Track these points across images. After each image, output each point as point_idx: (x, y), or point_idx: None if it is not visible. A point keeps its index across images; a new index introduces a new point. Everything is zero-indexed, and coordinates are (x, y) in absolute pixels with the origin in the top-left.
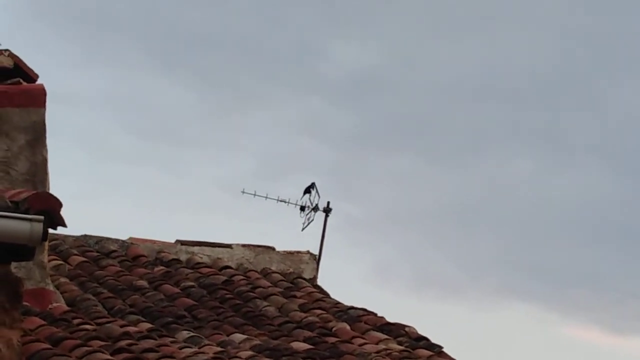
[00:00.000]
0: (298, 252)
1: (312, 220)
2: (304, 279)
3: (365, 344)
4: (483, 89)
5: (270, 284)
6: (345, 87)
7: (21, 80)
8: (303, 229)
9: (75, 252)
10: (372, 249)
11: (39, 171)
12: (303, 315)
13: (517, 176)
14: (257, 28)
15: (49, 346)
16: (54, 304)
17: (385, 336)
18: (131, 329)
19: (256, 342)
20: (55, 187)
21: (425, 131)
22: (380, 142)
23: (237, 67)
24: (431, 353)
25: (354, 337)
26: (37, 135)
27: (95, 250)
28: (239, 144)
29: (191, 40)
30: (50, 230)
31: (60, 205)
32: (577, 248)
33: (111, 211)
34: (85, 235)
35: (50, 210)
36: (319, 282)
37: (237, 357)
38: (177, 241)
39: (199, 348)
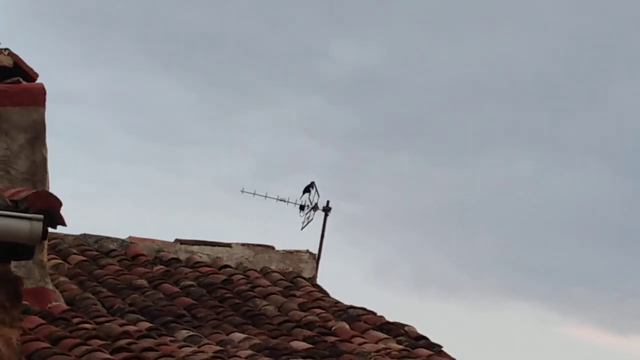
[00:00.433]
0: (297, 251)
1: (312, 219)
2: (304, 278)
3: (365, 343)
4: (483, 89)
5: (269, 283)
6: (345, 86)
7: (21, 80)
8: (302, 228)
9: (75, 251)
10: (371, 248)
11: (38, 170)
12: (302, 314)
13: (518, 176)
14: (257, 28)
15: (49, 345)
16: (54, 303)
17: (385, 335)
18: (130, 328)
19: (255, 341)
20: (55, 187)
21: (425, 131)
22: (380, 141)
23: (237, 66)
24: (431, 352)
25: (353, 336)
26: (36, 134)
27: (95, 249)
28: (238, 143)
29: (191, 40)
30: (50, 229)
31: (60, 204)
32: (577, 247)
33: (111, 210)
34: (85, 234)
35: (49, 209)
36: (319, 281)
37: (236, 356)
38: (177, 240)
39: (199, 347)
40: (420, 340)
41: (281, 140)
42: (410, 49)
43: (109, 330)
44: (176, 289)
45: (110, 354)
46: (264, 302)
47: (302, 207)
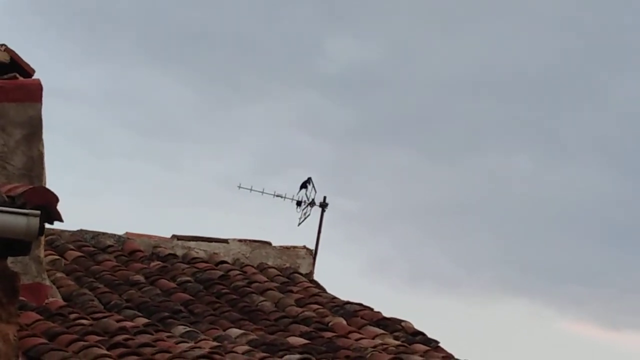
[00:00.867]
0: (294, 247)
1: (309, 215)
2: (301, 274)
3: (362, 338)
4: (481, 85)
5: (266, 279)
6: (342, 82)
7: (17, 75)
8: (299, 224)
9: (72, 247)
10: (368, 244)
11: (35, 166)
12: (299, 310)
13: (515, 172)
14: (255, 24)
15: (46, 341)
16: (51, 299)
17: (382, 331)
18: (127, 323)
19: (252, 336)
20: (52, 183)
21: (422, 127)
22: (377, 137)
23: (234, 63)
24: (427, 348)
25: (350, 332)
26: (33, 130)
27: (92, 245)
28: (236, 139)
29: (189, 37)
30: (47, 225)
31: (56, 200)
32: (573, 244)
33: (108, 206)
34: (82, 230)
35: (46, 205)
36: (316, 277)
37: (233, 351)
38: (174, 236)
39: (195, 343)
40: (417, 335)
41: (278, 136)
42: (407, 45)
43: (106, 326)
44: (173, 284)
45: (107, 349)
46: (261, 298)
47: (299, 203)
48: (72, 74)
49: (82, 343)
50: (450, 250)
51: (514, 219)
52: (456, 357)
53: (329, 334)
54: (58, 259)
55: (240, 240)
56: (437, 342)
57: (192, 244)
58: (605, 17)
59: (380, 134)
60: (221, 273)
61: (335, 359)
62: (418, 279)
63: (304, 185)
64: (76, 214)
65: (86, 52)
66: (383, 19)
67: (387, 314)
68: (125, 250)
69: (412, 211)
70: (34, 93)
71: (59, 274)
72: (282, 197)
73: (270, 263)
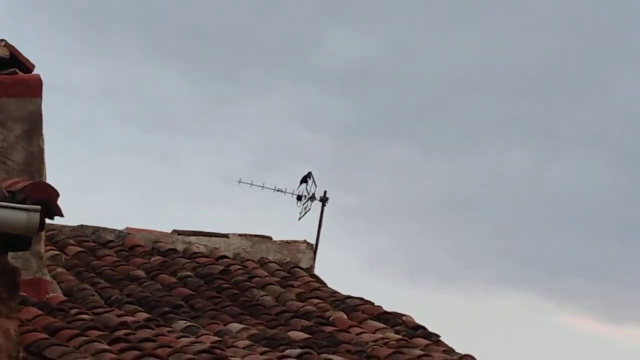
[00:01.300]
0: (295, 241)
1: (309, 209)
2: (301, 268)
3: (363, 333)
4: (480, 82)
5: (267, 274)
6: (341, 77)
7: (17, 70)
8: (300, 218)
9: (72, 242)
10: (367, 238)
11: (35, 161)
12: (300, 304)
13: (513, 167)
14: (253, 18)
15: (46, 336)
16: (51, 294)
17: (383, 325)
18: (128, 318)
19: (253, 331)
20: (52, 178)
21: (421, 122)
22: (376, 132)
23: (233, 58)
24: (428, 342)
25: (351, 326)
26: (33, 125)
27: (92, 240)
28: (235, 134)
29: (187, 32)
30: (47, 220)
31: (57, 195)
32: (572, 238)
33: (108, 202)
34: (82, 225)
35: (47, 200)
36: (316, 271)
37: (234, 346)
38: (174, 231)
39: (196, 337)
40: (418, 329)
41: (277, 131)
42: (406, 41)
43: (107, 321)
44: (174, 279)
45: (108, 344)
46: (262, 293)
47: (299, 198)
48: (72, 70)
49: (83, 338)
50: (450, 245)
51: (513, 213)
52: (457, 351)
53: (329, 329)
54: (58, 254)
55: (240, 235)
56: (437, 336)
57: (192, 238)
58: (604, 16)
59: (380, 129)
60: (222, 268)
61: (336, 353)
62: (418, 273)
63: (304, 180)
64: (76, 209)
65: (85, 48)
66: (382, 14)
67: (387, 308)
68: (125, 245)
69: (412, 206)
70: (34, 88)
71: (59, 269)
72: (282, 191)
73: (270, 258)
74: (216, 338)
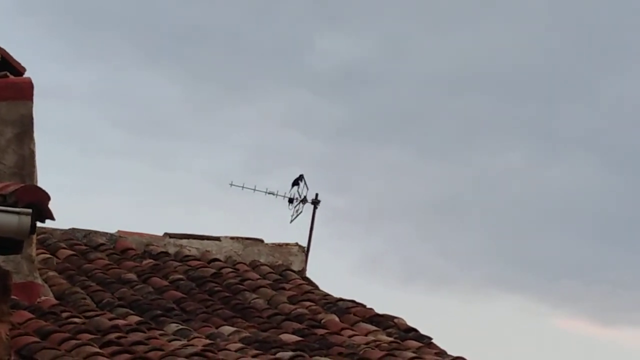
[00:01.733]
0: (287, 244)
1: (301, 212)
2: (293, 271)
3: (355, 335)
4: (473, 81)
5: (259, 276)
6: (333, 79)
7: (8, 74)
8: (291, 221)
9: (64, 245)
10: (360, 241)
11: (26, 164)
12: (292, 307)
13: (507, 168)
14: (245, 21)
15: (38, 339)
16: (43, 298)
17: (375, 328)
18: (120, 322)
19: (245, 334)
20: (43, 181)
21: (414, 123)
22: (369, 134)
23: (224, 60)
24: (420, 344)
25: (343, 328)
26: (24, 129)
27: (84, 243)
28: (227, 137)
29: (179, 34)
30: (38, 224)
31: (48, 198)
32: (567, 240)
33: (99, 205)
34: (73, 229)
35: (38, 204)
36: (308, 274)
37: (226, 349)
38: (166, 234)
39: (188, 340)
40: (410, 332)
41: (269, 133)
42: (398, 41)
43: (98, 324)
44: (165, 282)
45: (100, 348)
46: (254, 295)
47: (291, 200)
48: (64, 74)
49: (74, 341)
50: (443, 247)
51: (507, 215)
52: (449, 353)
53: (321, 331)
54: (50, 257)
55: (232, 238)
56: (430, 338)
57: (184, 241)
58: (596, 13)
59: (372, 131)
60: (213, 271)
61: (328, 356)
62: (411, 276)
63: (295, 183)
64: (67, 213)
65: (78, 52)
66: (374, 16)
67: (379, 310)
68: (117, 249)
69: (405, 208)
70: (25, 91)
71: (50, 273)
72: (274, 194)
73: (262, 260)
74: (208, 341)
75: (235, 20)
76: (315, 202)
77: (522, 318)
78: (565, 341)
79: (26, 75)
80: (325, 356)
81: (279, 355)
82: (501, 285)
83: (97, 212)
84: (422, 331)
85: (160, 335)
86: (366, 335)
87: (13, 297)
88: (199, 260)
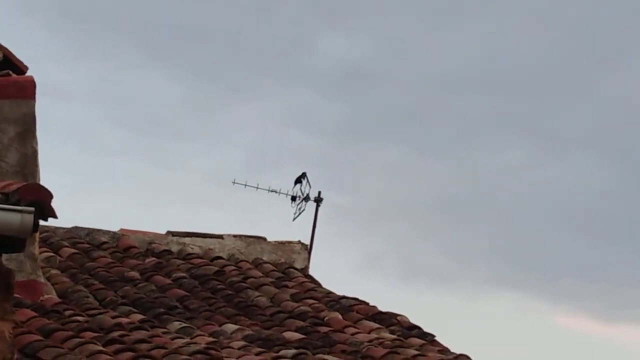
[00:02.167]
0: (289, 242)
1: (304, 210)
2: (296, 269)
3: (358, 333)
4: (473, 81)
5: (261, 274)
6: (333, 78)
7: (10, 72)
8: (294, 219)
9: (66, 243)
10: (361, 239)
11: (29, 163)
12: (295, 305)
13: (508, 167)
14: (245, 21)
15: (41, 338)
16: (45, 296)
17: (378, 325)
18: (123, 320)
19: (248, 332)
20: (46, 180)
21: (414, 122)
22: (370, 133)
23: (225, 59)
24: (423, 342)
25: (346, 326)
26: (27, 127)
27: (86, 241)
28: (228, 136)
29: (179, 34)
30: (41, 222)
31: (50, 196)
32: (567, 238)
33: (102, 204)
34: (76, 227)
35: (40, 202)
36: (311, 272)
37: (229, 347)
38: (168, 232)
39: (191, 338)
40: (413, 329)
41: (270, 132)
42: (398, 40)
43: (101, 322)
44: (168, 280)
45: (103, 346)
46: (257, 293)
47: (293, 198)
48: (65, 73)
49: (77, 340)
50: (443, 245)
51: (507, 213)
52: (452, 350)
53: (324, 329)
54: (53, 255)
55: (235, 236)
56: (432, 336)
57: (187, 239)
58: (600, 16)
59: (373, 129)
60: (216, 269)
61: (331, 354)
62: (412, 274)
63: (298, 181)
64: (70, 211)
65: (79, 51)
66: (374, 15)
67: (382, 308)
68: (120, 247)
69: (406, 207)
70: (28, 90)
71: (53, 271)
72: (276, 192)
73: (265, 258)
74: (211, 339)
75: (236, 20)
76: (318, 200)
77: (522, 316)
78: (566, 338)
79: (28, 74)
80: (328, 354)
81: (282, 353)
82: (502, 283)
83: (100, 211)
84: (425, 329)
85: (163, 333)
86: (369, 332)
87: (16, 295)
88: (201, 258)
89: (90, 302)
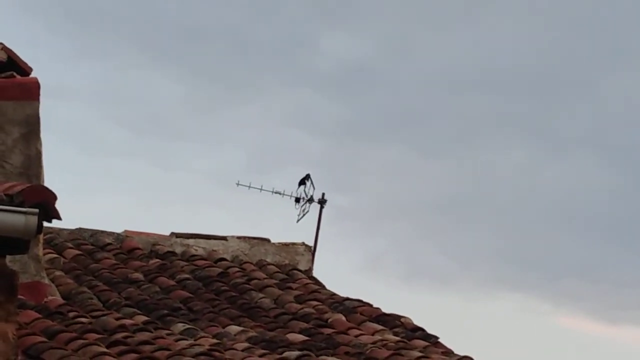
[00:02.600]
0: (293, 243)
1: (307, 211)
2: (300, 270)
3: (361, 335)
4: (474, 80)
5: (265, 276)
6: (336, 78)
7: (15, 74)
8: (298, 220)
9: (70, 245)
10: (363, 240)
11: (33, 164)
12: (299, 306)
13: (509, 167)
14: (247, 20)
15: (45, 339)
16: (49, 298)
17: (381, 327)
18: (127, 321)
19: (252, 333)
20: (50, 181)
21: (416, 122)
22: (372, 133)
23: (227, 59)
24: (427, 343)
25: (349, 328)
26: (31, 129)
27: (90, 243)
28: (231, 137)
29: (181, 33)
30: (45, 224)
31: (54, 198)
32: (569, 238)
33: (106, 205)
34: (80, 229)
35: (44, 203)
36: (315, 273)
37: (233, 348)
38: (172, 234)
39: (195, 340)
40: (417, 331)
41: (271, 132)
42: (400, 40)
43: (105, 324)
44: (172, 282)
45: (107, 347)
46: (260, 295)
47: (297, 200)
48: (67, 73)
49: (81, 341)
50: (445, 246)
51: (510, 214)
52: (455, 352)
53: (328, 331)
54: (57, 257)
55: (239, 238)
56: (436, 337)
57: (190, 241)
58: (601, 16)
59: (374, 130)
60: (220, 270)
61: (335, 355)
62: (415, 275)
63: (302, 182)
64: (74, 212)
65: (81, 51)
66: (376, 15)
67: (386, 310)
68: (124, 248)
69: (409, 207)
70: (32, 91)
71: (57, 273)
72: (280, 193)
73: (269, 260)
74: (215, 340)
75: (237, 20)
76: (322, 202)
77: (524, 316)
78: (567, 339)
79: (32, 75)
80: (332, 355)
81: (285, 354)
82: (503, 283)
83: (103, 212)
84: (429, 330)
85: (167, 334)
86: (373, 334)
87: (20, 297)
88: (205, 259)
89: (94, 304)
